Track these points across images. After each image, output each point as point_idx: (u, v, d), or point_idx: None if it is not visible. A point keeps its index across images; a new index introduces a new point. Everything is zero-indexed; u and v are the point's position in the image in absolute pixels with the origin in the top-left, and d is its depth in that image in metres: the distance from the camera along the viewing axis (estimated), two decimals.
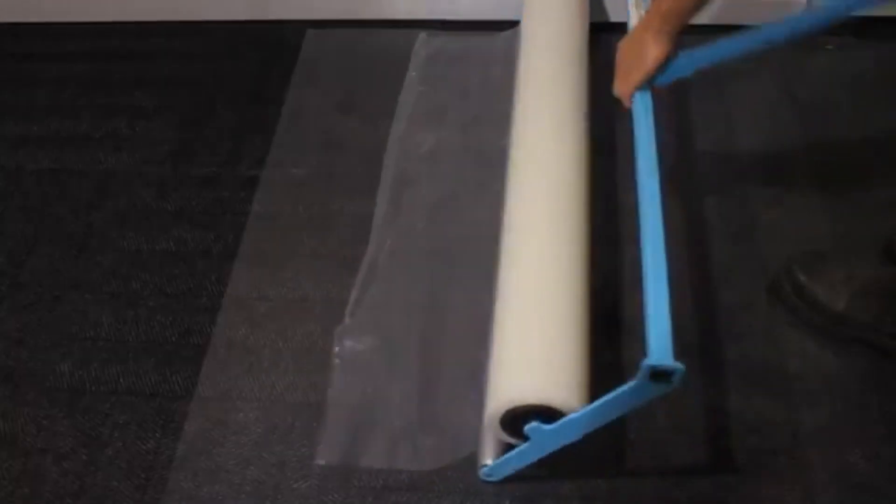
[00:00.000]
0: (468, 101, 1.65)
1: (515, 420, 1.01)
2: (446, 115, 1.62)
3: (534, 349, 1.03)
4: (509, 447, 1.07)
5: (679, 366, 0.87)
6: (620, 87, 1.18)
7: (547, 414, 0.98)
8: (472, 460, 1.14)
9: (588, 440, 0.99)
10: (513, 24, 1.72)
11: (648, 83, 1.14)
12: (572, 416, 0.96)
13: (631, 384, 0.90)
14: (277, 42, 1.84)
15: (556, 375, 0.99)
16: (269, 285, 1.39)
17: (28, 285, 1.43)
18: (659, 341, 0.89)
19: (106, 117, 1.72)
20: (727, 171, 1.50)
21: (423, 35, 1.78)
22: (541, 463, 1.05)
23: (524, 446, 1.03)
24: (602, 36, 1.63)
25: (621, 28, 1.30)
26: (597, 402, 0.94)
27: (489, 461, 1.09)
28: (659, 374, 0.88)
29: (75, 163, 1.63)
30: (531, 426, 0.98)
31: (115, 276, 1.43)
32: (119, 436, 1.23)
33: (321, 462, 1.17)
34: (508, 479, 1.12)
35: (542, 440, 1.01)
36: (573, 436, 1.00)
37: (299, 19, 1.86)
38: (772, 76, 1.63)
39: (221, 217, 1.49)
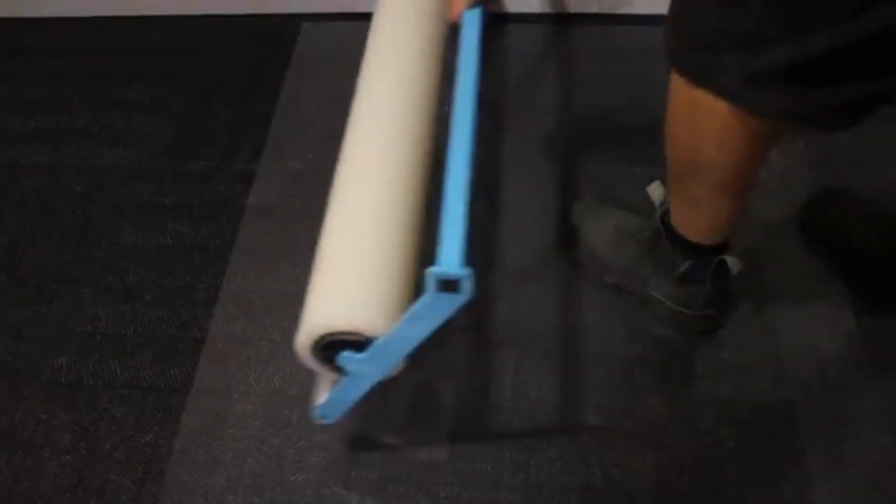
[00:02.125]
0: None
1: (332, 353, 0.97)
2: None
3: (342, 277, 0.97)
4: None
5: (464, 272, 0.84)
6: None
7: (359, 343, 0.94)
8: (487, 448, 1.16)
9: None
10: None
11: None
12: (379, 341, 0.92)
13: (424, 297, 0.87)
14: (273, 36, 1.84)
15: (362, 301, 0.94)
16: (266, 279, 1.39)
17: (26, 280, 1.43)
18: (449, 251, 0.86)
19: (103, 112, 1.72)
20: None
21: None
22: None
23: (344, 380, 1.00)
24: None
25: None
26: (398, 323, 0.90)
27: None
28: (447, 284, 0.85)
29: (72, 157, 1.63)
30: (343, 356, 0.96)
31: (112, 271, 1.43)
32: (117, 429, 1.23)
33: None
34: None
35: (359, 371, 0.98)
36: (387, 363, 0.97)
37: (294, 13, 1.86)
38: None
39: (219, 211, 1.50)
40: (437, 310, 0.89)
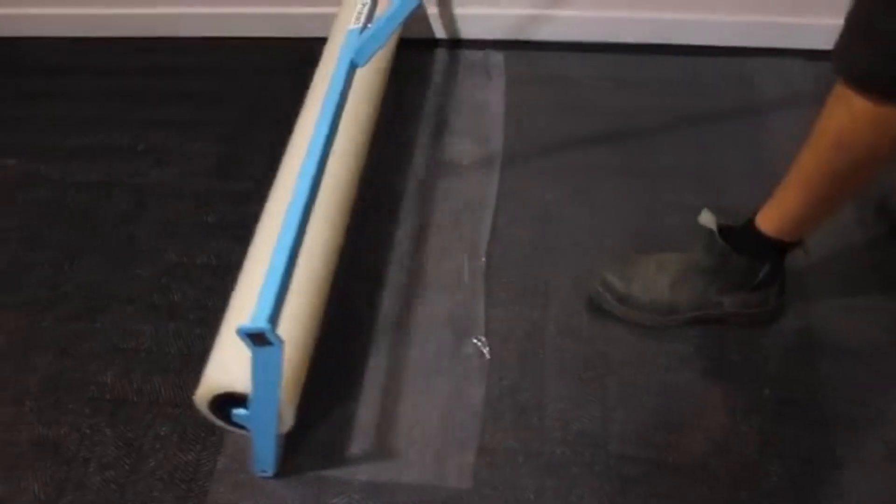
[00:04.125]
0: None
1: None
2: None
3: (227, 339, 1.06)
4: None
5: (266, 326, 0.88)
6: None
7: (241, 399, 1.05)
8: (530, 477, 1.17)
9: None
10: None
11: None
12: (248, 394, 1.01)
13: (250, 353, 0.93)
14: (312, 59, 1.86)
15: (234, 362, 1.01)
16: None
17: (71, 296, 1.45)
18: (261, 307, 0.90)
19: (148, 131, 1.75)
20: None
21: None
22: None
23: (252, 434, 1.11)
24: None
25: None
26: (248, 378, 0.98)
27: None
28: (256, 337, 0.90)
29: (119, 175, 1.66)
30: (234, 413, 1.08)
31: (156, 289, 1.45)
32: (160, 447, 1.25)
33: None
34: None
35: (253, 424, 1.08)
36: (269, 415, 1.05)
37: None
38: None
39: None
40: (262, 363, 0.95)
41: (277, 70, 1.86)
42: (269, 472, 1.19)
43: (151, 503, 1.19)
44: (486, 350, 1.32)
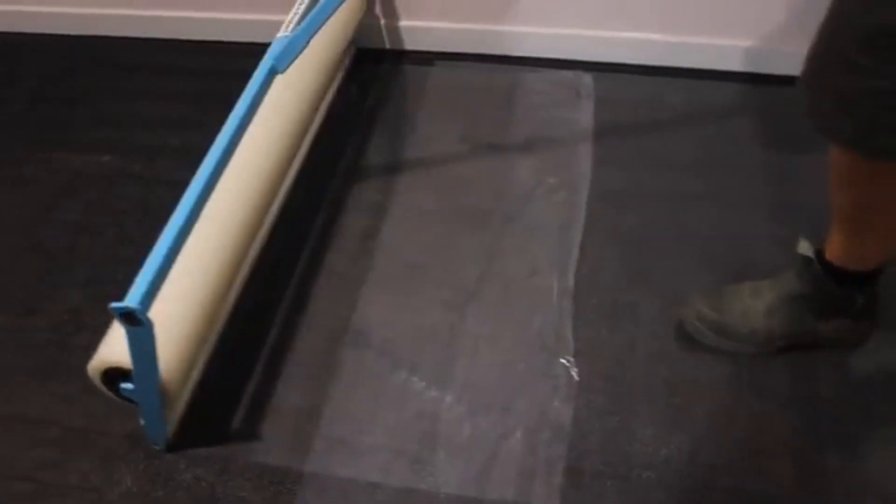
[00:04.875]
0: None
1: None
2: None
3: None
4: None
5: (137, 306, 0.93)
6: None
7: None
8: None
9: None
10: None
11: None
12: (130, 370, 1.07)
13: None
14: (403, 71, 1.89)
15: (121, 339, 1.03)
16: (396, 312, 1.42)
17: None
18: (137, 288, 0.95)
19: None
20: None
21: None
22: None
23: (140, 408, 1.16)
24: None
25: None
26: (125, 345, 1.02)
27: None
28: (127, 317, 0.95)
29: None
30: (121, 386, 1.13)
31: (247, 288, 1.46)
32: (250, 449, 1.26)
33: None
34: None
35: (138, 398, 1.14)
36: (149, 389, 1.10)
37: (423, 50, 1.93)
38: None
39: (348, 241, 1.54)
40: (135, 341, 1.01)
41: (363, 80, 1.88)
42: (161, 444, 1.24)
43: (240, 503, 1.20)
44: (574, 371, 1.32)
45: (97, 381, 1.14)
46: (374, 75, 1.90)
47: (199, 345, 1.20)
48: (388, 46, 1.95)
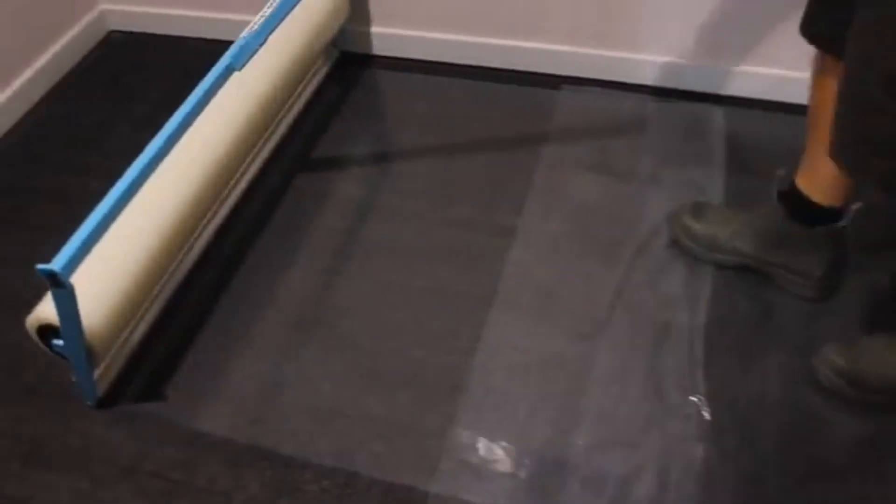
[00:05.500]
0: None
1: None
2: None
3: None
4: None
5: (59, 269, 1.03)
6: None
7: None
8: None
9: None
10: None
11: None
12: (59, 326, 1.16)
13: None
14: (534, 94, 1.89)
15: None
16: (524, 336, 1.41)
17: (286, 303, 1.49)
18: (64, 252, 1.05)
19: (375, 145, 1.81)
20: None
21: None
22: None
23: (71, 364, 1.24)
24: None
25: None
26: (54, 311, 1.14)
27: None
28: (51, 279, 1.05)
29: (343, 188, 1.71)
30: (53, 343, 1.22)
31: (373, 304, 1.47)
32: (374, 465, 1.26)
33: None
34: None
35: (67, 354, 1.22)
36: (76, 347, 1.18)
37: (555, 73, 1.91)
38: None
39: (479, 261, 1.53)
40: (59, 301, 1.12)
41: (499, 101, 1.88)
42: (92, 399, 1.33)
43: None
44: (705, 411, 1.29)
45: (33, 335, 1.24)
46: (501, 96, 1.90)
47: (129, 310, 1.29)
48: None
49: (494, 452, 1.26)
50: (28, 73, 1.96)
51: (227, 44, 1.29)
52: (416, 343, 1.41)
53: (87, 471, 1.27)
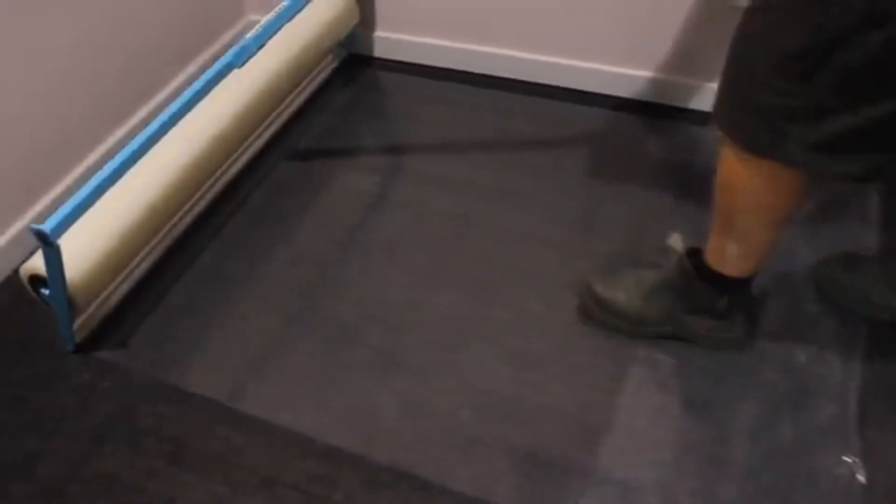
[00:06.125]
0: None
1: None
2: None
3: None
4: None
5: (47, 230, 1.18)
6: None
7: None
8: None
9: None
10: None
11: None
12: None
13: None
14: (683, 131, 1.86)
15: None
16: (669, 377, 1.38)
17: (430, 325, 1.49)
18: (56, 214, 1.20)
19: (507, 172, 1.79)
20: None
21: None
22: None
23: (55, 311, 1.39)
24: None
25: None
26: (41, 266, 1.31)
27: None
28: (40, 236, 1.19)
29: (478, 213, 1.70)
30: (43, 293, 1.38)
31: (513, 332, 1.46)
32: (515, 497, 1.24)
33: None
34: None
35: (52, 303, 1.37)
36: (59, 296, 1.34)
37: (700, 110, 1.88)
38: None
39: None
40: (48, 258, 1.27)
41: (647, 134, 1.86)
42: (71, 345, 1.46)
43: None
44: (860, 473, 1.24)
45: (25, 282, 1.40)
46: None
47: (110, 271, 1.45)
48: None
49: (636, 498, 1.23)
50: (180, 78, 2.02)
51: None
52: (557, 376, 1.39)
53: (226, 476, 1.29)
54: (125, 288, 1.59)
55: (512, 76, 2.04)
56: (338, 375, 1.42)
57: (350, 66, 2.17)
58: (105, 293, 1.53)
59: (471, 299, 1.53)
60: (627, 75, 1.92)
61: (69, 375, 1.44)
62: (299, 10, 1.58)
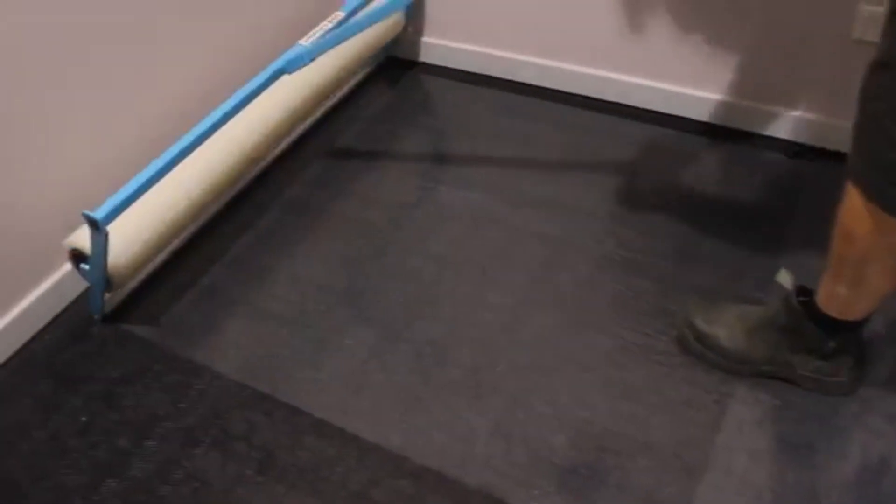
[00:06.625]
0: None
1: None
2: None
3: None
4: None
5: (99, 216, 1.30)
6: None
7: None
8: None
9: None
10: None
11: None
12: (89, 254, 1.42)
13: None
14: (783, 162, 1.82)
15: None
16: (765, 418, 1.34)
17: (528, 348, 1.47)
18: (109, 203, 1.34)
19: (588, 193, 1.79)
20: None
21: None
22: None
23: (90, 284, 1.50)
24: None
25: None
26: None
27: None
28: (90, 222, 1.32)
29: (573, 233, 1.69)
30: (82, 267, 1.47)
31: (606, 360, 1.43)
32: None
33: None
34: None
35: (88, 275, 1.47)
36: (99, 272, 1.44)
37: (799, 141, 1.85)
38: None
39: None
40: (94, 240, 1.38)
41: (743, 165, 1.82)
42: (98, 312, 1.55)
43: None
44: None
45: (66, 253, 1.49)
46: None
47: (147, 258, 1.55)
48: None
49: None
50: None
51: None
52: (659, 408, 1.36)
53: (316, 489, 1.28)
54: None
55: (579, 92, 2.06)
56: (425, 390, 1.41)
57: (392, 68, 2.25)
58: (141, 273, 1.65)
59: (566, 324, 1.51)
60: (704, 98, 1.91)
61: (161, 375, 1.45)
62: (360, 30, 1.66)
